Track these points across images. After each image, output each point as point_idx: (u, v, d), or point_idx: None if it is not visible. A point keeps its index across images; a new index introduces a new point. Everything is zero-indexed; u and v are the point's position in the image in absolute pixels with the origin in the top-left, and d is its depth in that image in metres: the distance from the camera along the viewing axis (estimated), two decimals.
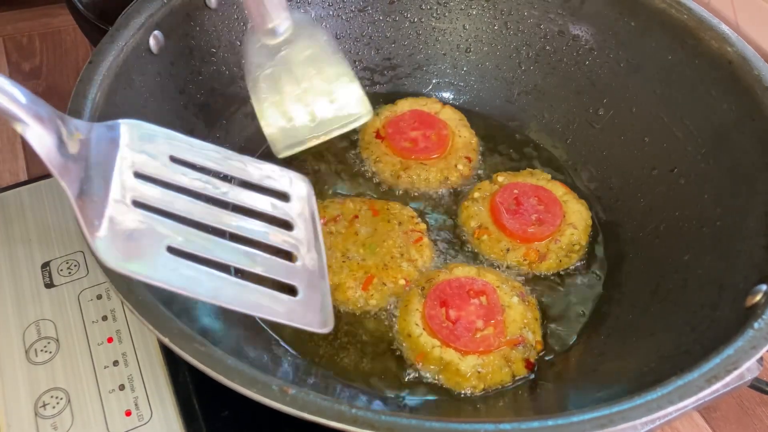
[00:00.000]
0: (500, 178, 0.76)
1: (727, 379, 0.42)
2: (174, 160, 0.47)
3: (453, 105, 0.84)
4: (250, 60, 0.60)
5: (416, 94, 0.87)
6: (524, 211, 0.71)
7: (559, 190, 0.74)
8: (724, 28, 0.65)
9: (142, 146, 0.46)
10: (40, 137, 0.38)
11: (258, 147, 0.78)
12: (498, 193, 0.73)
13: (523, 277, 0.68)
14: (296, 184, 0.53)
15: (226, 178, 0.49)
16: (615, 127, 0.76)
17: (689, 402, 0.41)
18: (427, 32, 0.86)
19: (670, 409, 0.40)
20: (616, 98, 0.76)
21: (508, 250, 0.69)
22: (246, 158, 0.51)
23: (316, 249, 0.50)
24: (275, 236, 0.49)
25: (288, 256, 0.49)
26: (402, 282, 0.65)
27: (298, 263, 0.48)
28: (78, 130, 0.41)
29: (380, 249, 0.67)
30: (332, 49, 0.60)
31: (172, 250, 0.43)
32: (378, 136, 0.79)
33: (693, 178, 0.66)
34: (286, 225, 0.50)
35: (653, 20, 0.70)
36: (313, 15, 0.82)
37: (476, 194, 0.74)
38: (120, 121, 0.46)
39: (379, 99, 0.85)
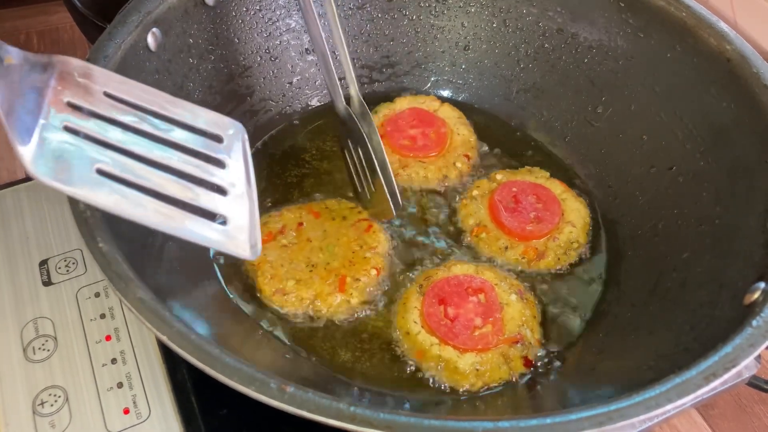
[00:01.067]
0: (499, 176, 0.75)
1: (726, 376, 0.42)
2: (108, 95, 0.48)
3: (452, 103, 0.84)
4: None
5: (415, 92, 0.87)
6: (523, 209, 0.71)
7: (557, 188, 0.74)
8: (723, 26, 0.65)
9: (77, 80, 0.47)
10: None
11: (253, 143, 0.78)
12: (496, 191, 0.73)
13: (522, 275, 0.68)
14: (230, 128, 0.53)
15: (161, 119, 0.49)
16: (614, 125, 0.76)
17: (687, 400, 0.41)
18: (425, 30, 0.86)
19: (669, 406, 0.40)
20: (615, 96, 0.76)
21: (506, 248, 0.69)
22: (181, 101, 0.51)
23: (247, 188, 0.50)
24: (206, 171, 0.49)
25: (219, 191, 0.49)
26: (374, 272, 0.66)
27: (228, 196, 0.49)
28: (9, 54, 0.43)
29: (338, 248, 0.67)
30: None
31: (101, 172, 0.44)
32: None
33: (692, 177, 0.66)
34: (218, 163, 0.50)
35: (652, 18, 0.70)
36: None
37: (475, 192, 0.74)
38: (55, 55, 0.47)
39: (377, 97, 0.85)
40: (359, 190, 0.71)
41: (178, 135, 0.49)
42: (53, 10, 1.07)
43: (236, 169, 0.50)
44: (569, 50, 0.79)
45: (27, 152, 0.42)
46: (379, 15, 0.85)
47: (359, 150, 0.69)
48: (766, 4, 0.85)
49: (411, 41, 0.87)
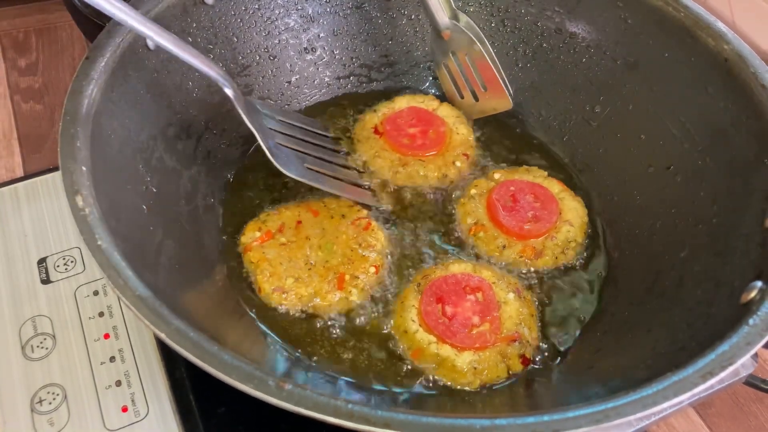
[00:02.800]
0: (497, 175, 0.76)
1: (722, 375, 0.42)
2: (281, 121, 0.74)
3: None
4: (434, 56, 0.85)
5: (414, 91, 0.87)
6: (520, 208, 0.71)
7: (555, 187, 0.74)
8: (721, 25, 0.65)
9: (264, 111, 0.73)
10: (237, 98, 0.65)
11: (251, 142, 0.78)
12: (494, 190, 0.73)
13: (520, 274, 0.68)
14: (325, 127, 0.82)
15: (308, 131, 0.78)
16: (611, 125, 0.76)
17: (684, 398, 0.41)
18: (424, 29, 0.86)
19: (665, 404, 0.40)
20: (613, 96, 0.76)
21: (504, 246, 0.69)
22: (306, 118, 0.80)
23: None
24: (339, 158, 0.78)
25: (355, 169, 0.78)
26: (372, 270, 0.66)
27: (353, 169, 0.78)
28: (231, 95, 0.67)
29: (337, 246, 0.67)
30: None
31: (308, 168, 0.71)
32: (376, 131, 0.79)
33: (689, 176, 0.66)
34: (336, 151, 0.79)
35: (650, 18, 0.70)
36: (310, 12, 0.82)
37: (473, 191, 0.74)
38: (248, 98, 0.74)
39: (376, 96, 0.85)
40: (463, 97, 0.83)
41: (314, 137, 0.77)
42: (52, 8, 1.07)
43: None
44: (567, 50, 0.79)
45: (280, 166, 0.67)
46: (378, 14, 0.85)
47: (466, 57, 0.79)
48: (763, 4, 0.86)
49: (410, 40, 0.87)
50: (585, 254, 0.71)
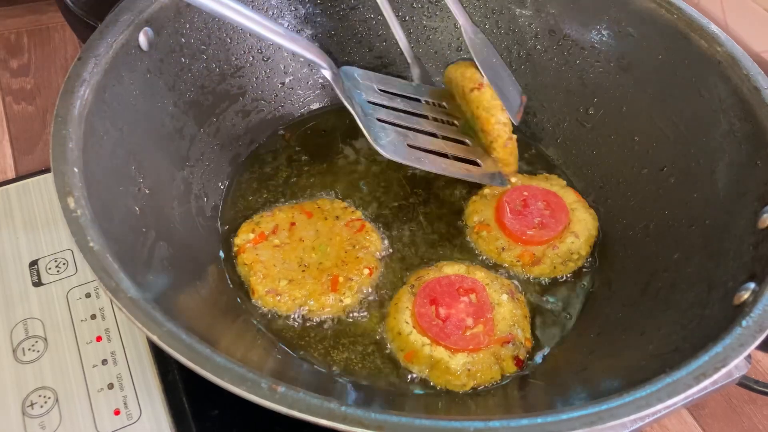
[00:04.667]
0: (513, 179, 0.75)
1: (716, 376, 0.42)
2: (381, 90, 0.71)
3: None
4: None
5: None
6: (528, 214, 0.71)
7: (570, 197, 0.73)
8: (714, 28, 0.65)
9: (363, 82, 0.70)
10: (335, 79, 0.63)
11: (245, 143, 0.78)
12: (507, 192, 0.73)
13: (513, 278, 0.68)
14: (442, 93, 0.77)
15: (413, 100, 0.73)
16: (605, 127, 0.76)
17: (678, 399, 0.41)
18: (418, 31, 0.86)
19: (659, 406, 0.40)
20: (607, 98, 0.76)
21: (503, 249, 0.69)
22: (415, 83, 0.76)
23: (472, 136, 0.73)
24: (452, 131, 0.73)
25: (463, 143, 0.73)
26: (366, 272, 0.65)
27: (470, 144, 0.73)
28: (329, 70, 0.64)
29: (331, 248, 0.67)
30: None
31: (411, 146, 0.67)
32: None
33: (682, 177, 0.66)
34: (452, 124, 0.74)
35: (643, 20, 0.70)
36: (303, 13, 0.82)
37: (486, 191, 0.74)
38: (345, 67, 0.71)
39: None
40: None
41: (424, 108, 0.73)
42: (44, 9, 1.07)
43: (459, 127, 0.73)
44: (561, 52, 0.79)
45: (380, 147, 0.64)
46: (372, 16, 0.85)
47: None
48: (756, 6, 0.86)
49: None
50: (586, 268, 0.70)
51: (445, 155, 0.69)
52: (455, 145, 0.71)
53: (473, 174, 0.69)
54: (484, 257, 0.70)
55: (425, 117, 0.71)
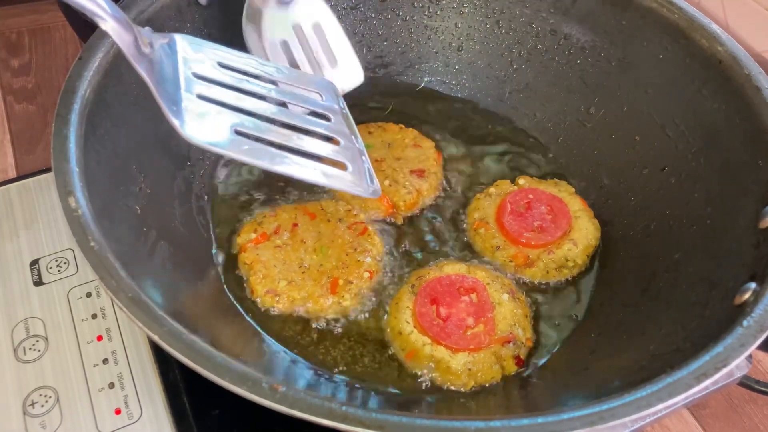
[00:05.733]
0: (521, 181, 0.75)
1: (717, 376, 0.42)
2: (222, 65, 0.56)
3: (444, 100, 0.84)
4: (263, 32, 0.66)
5: (408, 92, 0.87)
6: (529, 216, 0.71)
7: (575, 204, 0.73)
8: (715, 27, 0.65)
9: (195, 54, 0.54)
10: (118, 33, 0.47)
11: None
12: (512, 193, 0.73)
13: (516, 278, 0.69)
14: (324, 85, 0.61)
15: (267, 82, 0.58)
16: (606, 126, 0.76)
17: (679, 399, 0.41)
18: (419, 30, 0.86)
19: (660, 406, 0.40)
20: (608, 97, 0.76)
21: (498, 247, 0.69)
22: (279, 65, 0.60)
23: (353, 135, 0.59)
24: (318, 125, 0.57)
25: (331, 141, 0.57)
26: (366, 275, 0.65)
27: (341, 145, 0.57)
28: (145, 35, 0.50)
29: (333, 250, 0.67)
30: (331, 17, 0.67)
31: (238, 132, 0.52)
32: None
33: (683, 177, 0.66)
34: (324, 117, 0.59)
35: (644, 20, 0.70)
36: None
37: (492, 190, 0.75)
38: (173, 34, 0.55)
39: (371, 98, 0.85)
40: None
41: (288, 96, 0.58)
42: (45, 8, 1.07)
43: (340, 121, 0.58)
44: (562, 51, 0.79)
45: (177, 120, 0.49)
46: (373, 15, 0.85)
47: (312, 29, 0.68)
48: (756, 5, 0.86)
49: (404, 41, 0.87)
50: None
51: (300, 152, 0.55)
52: (318, 142, 0.56)
53: (333, 179, 0.55)
54: (479, 253, 0.70)
55: (283, 105, 0.57)
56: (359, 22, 0.85)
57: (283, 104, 0.57)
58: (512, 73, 0.84)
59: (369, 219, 0.71)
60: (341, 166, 0.56)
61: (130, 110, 0.61)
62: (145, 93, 0.63)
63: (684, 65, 0.67)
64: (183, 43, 0.54)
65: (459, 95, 0.87)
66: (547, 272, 0.68)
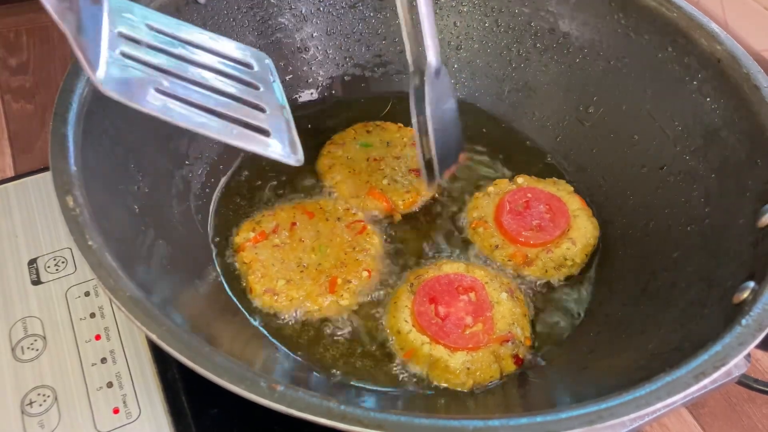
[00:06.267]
0: (520, 180, 0.75)
1: (715, 375, 0.42)
2: (151, 28, 0.54)
3: None
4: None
5: (407, 91, 0.86)
6: (528, 215, 0.71)
7: (574, 204, 0.73)
8: (714, 26, 0.65)
9: (122, 13, 0.53)
10: None
11: None
12: (510, 192, 0.73)
13: (511, 275, 0.68)
14: (257, 56, 0.60)
15: (198, 48, 0.56)
16: (605, 125, 0.76)
17: (677, 398, 0.41)
18: (418, 29, 0.86)
19: (659, 405, 0.40)
20: (606, 96, 0.76)
21: (496, 246, 0.69)
22: (212, 34, 0.58)
23: (280, 105, 0.57)
24: (246, 92, 0.55)
25: (258, 109, 0.55)
26: (365, 274, 0.65)
27: (267, 113, 0.55)
28: None
29: (331, 249, 0.67)
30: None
31: (158, 90, 0.50)
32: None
33: (682, 176, 0.66)
34: (252, 86, 0.57)
35: (643, 18, 0.70)
36: (303, 11, 0.82)
37: (491, 189, 0.75)
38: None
39: (369, 95, 0.85)
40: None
41: (214, 61, 0.56)
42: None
43: (267, 91, 0.57)
44: (561, 50, 0.79)
45: (98, 76, 0.47)
46: (371, 14, 0.85)
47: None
48: (755, 4, 0.86)
49: (403, 40, 0.86)
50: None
51: (223, 115, 0.53)
52: (243, 107, 0.54)
53: (254, 143, 0.53)
54: (478, 252, 0.70)
55: (214, 71, 0.55)
56: (358, 21, 0.85)
57: (213, 70, 0.55)
58: (511, 72, 0.84)
59: (368, 218, 0.71)
60: (265, 133, 0.54)
61: (129, 109, 0.60)
62: None
63: (683, 64, 0.67)
64: (112, 1, 0.53)
65: (457, 94, 0.87)
66: (546, 271, 0.68)
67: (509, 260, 0.69)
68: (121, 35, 0.51)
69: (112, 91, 0.47)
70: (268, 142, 0.53)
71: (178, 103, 0.51)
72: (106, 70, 0.48)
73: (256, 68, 0.59)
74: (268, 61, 0.61)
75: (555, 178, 0.77)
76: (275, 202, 0.73)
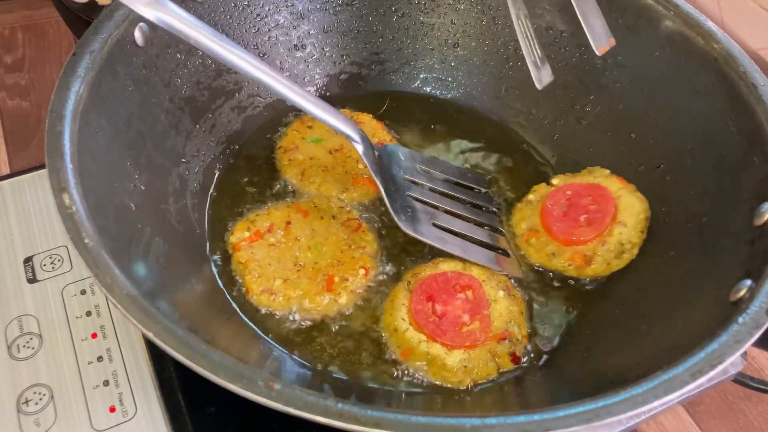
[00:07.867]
0: (555, 180, 0.74)
1: (712, 373, 0.42)
2: (422, 170, 0.73)
3: (442, 100, 0.85)
4: None
5: (404, 89, 0.87)
6: (574, 212, 0.68)
7: (614, 185, 0.70)
8: (711, 25, 0.65)
9: (404, 160, 0.72)
10: (366, 153, 0.65)
11: (241, 139, 0.78)
12: (549, 195, 0.71)
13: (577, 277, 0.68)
14: (477, 178, 0.77)
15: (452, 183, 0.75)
16: (602, 124, 0.76)
17: (674, 396, 0.41)
18: (415, 27, 0.86)
19: (655, 403, 0.40)
20: (603, 95, 0.76)
21: (553, 254, 0.67)
22: (446, 162, 0.78)
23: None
24: (481, 216, 0.73)
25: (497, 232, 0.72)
26: (362, 272, 0.65)
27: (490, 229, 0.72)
28: (375, 149, 0.68)
29: (327, 247, 0.67)
30: None
31: (436, 225, 0.68)
32: None
33: (679, 175, 0.66)
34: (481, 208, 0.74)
35: (640, 17, 0.70)
36: (300, 8, 0.81)
37: (531, 196, 0.73)
38: (388, 145, 0.74)
39: (367, 93, 0.85)
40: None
41: (458, 190, 0.74)
42: (38, 4, 1.06)
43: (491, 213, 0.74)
44: (558, 48, 0.79)
45: (401, 221, 0.65)
46: (368, 11, 0.85)
47: None
48: (752, 3, 0.86)
49: (400, 38, 0.87)
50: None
51: (471, 239, 0.69)
52: (484, 231, 0.71)
53: (495, 264, 0.67)
54: (538, 264, 0.69)
55: (462, 201, 0.72)
56: (355, 19, 0.84)
57: (459, 201, 0.73)
58: (508, 70, 0.84)
59: (361, 208, 0.72)
60: (506, 253, 0.70)
61: (125, 106, 0.61)
62: (139, 89, 0.63)
63: (679, 63, 0.67)
64: (395, 152, 0.71)
65: (455, 92, 0.87)
66: (608, 264, 0.65)
67: (569, 264, 0.67)
68: (406, 179, 0.70)
69: (412, 232, 0.65)
70: (505, 259, 0.69)
71: (447, 234, 0.68)
72: (403, 213, 0.66)
73: (478, 189, 0.76)
74: (483, 178, 0.77)
75: (589, 168, 0.74)
76: (270, 201, 0.72)
